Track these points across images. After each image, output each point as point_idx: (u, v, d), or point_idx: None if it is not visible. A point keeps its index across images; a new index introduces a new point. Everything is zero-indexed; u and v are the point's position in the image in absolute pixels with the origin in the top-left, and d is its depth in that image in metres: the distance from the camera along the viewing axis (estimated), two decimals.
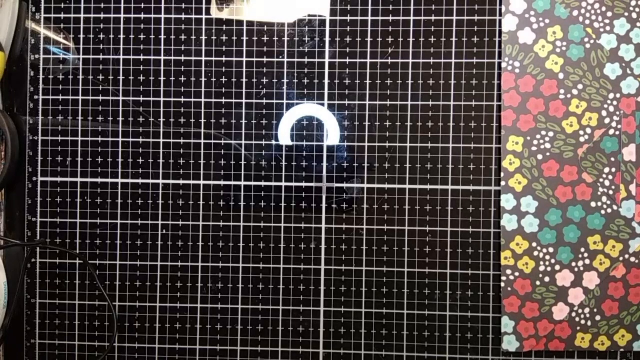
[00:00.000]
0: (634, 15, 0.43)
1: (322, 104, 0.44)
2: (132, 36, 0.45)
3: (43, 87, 0.45)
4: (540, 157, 0.43)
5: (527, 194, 0.43)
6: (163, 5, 0.44)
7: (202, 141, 0.45)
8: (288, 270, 0.44)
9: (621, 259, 0.43)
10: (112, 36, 0.45)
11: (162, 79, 0.45)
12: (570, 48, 0.43)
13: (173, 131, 0.45)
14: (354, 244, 0.44)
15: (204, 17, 0.44)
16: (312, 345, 0.44)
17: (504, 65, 0.43)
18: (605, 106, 0.43)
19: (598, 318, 0.43)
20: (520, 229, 0.43)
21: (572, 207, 0.43)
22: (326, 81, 0.44)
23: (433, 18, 0.44)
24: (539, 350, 0.43)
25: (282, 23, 0.44)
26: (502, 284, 0.43)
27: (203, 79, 0.44)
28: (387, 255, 0.44)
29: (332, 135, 0.44)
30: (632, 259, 0.43)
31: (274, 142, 0.44)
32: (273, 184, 0.44)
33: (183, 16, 0.44)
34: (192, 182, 0.45)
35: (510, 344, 0.43)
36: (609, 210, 0.43)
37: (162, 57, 0.44)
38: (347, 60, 0.44)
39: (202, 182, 0.45)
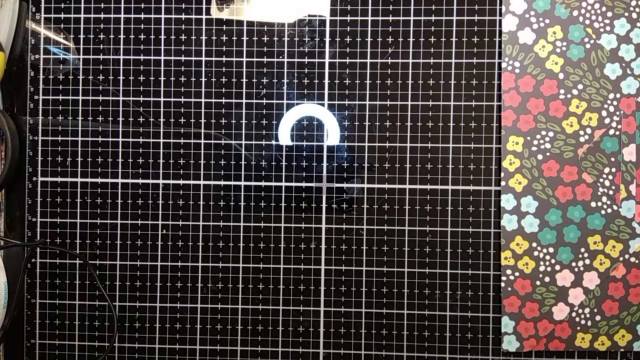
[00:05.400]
0: (634, 15, 0.43)
1: (322, 104, 0.44)
2: (132, 36, 0.45)
3: (43, 87, 0.45)
4: (540, 157, 0.43)
5: (527, 194, 0.43)
6: (163, 5, 0.44)
7: (202, 141, 0.45)
8: (288, 270, 0.44)
9: (621, 259, 0.43)
10: (112, 36, 0.45)
11: (162, 79, 0.45)
12: (570, 48, 0.43)
13: (173, 131, 0.45)
14: (354, 244, 0.44)
15: (204, 17, 0.44)
16: (312, 345, 0.44)
17: (504, 65, 0.43)
18: (605, 106, 0.43)
19: (598, 318, 0.43)
20: (520, 229, 0.43)
21: (572, 207, 0.43)
22: (326, 81, 0.44)
23: (433, 18, 0.44)
24: (539, 350, 0.43)
25: (282, 23, 0.44)
26: (502, 284, 0.43)
27: (203, 79, 0.44)
28: (387, 255, 0.44)
29: (332, 135, 0.44)
30: (632, 259, 0.43)
31: (274, 142, 0.44)
32: (273, 184, 0.44)
33: (183, 16, 0.44)
34: (192, 182, 0.45)
35: (510, 344, 0.43)
36: (609, 210, 0.43)
37: (162, 57, 0.44)
38: (347, 60, 0.44)
39: (202, 182, 0.45)
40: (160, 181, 0.45)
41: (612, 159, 0.43)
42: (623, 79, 0.43)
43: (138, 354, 0.45)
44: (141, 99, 0.45)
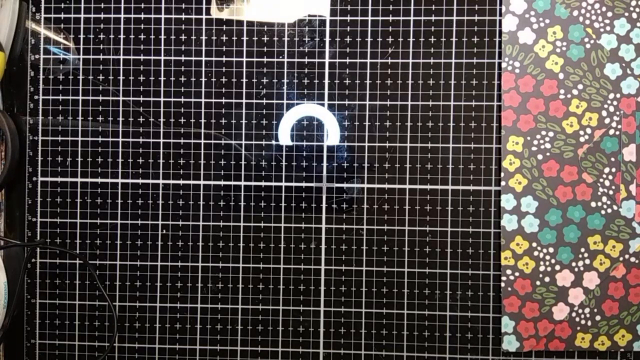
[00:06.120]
0: (634, 15, 0.43)
1: (322, 104, 0.44)
2: (132, 36, 0.45)
3: (43, 87, 0.45)
4: (540, 157, 0.43)
5: (527, 194, 0.43)
6: (163, 5, 0.44)
7: (202, 141, 0.45)
8: (288, 270, 0.44)
9: (621, 259, 0.43)
10: (112, 36, 0.45)
11: (162, 79, 0.45)
12: (570, 48, 0.43)
13: (173, 131, 0.45)
14: (354, 244, 0.44)
15: (204, 17, 0.44)
16: (312, 345, 0.44)
17: (504, 65, 0.43)
18: (605, 106, 0.43)
19: (598, 318, 0.43)
20: (520, 229, 0.43)
21: (572, 207, 0.43)
22: (326, 81, 0.44)
23: (433, 18, 0.44)
24: (539, 350, 0.43)
25: (282, 23, 0.44)
26: (502, 284, 0.43)
27: (203, 79, 0.44)
28: (387, 255, 0.44)
29: (332, 135, 0.44)
30: (632, 259, 0.43)
31: (274, 142, 0.44)
32: (273, 184, 0.44)
33: (183, 16, 0.45)
34: (192, 182, 0.45)
35: (510, 344, 0.43)
36: (609, 210, 0.43)
37: (162, 57, 0.44)
38: (347, 60, 0.44)
39: (202, 182, 0.45)
40: (160, 181, 0.45)
41: (612, 159, 0.43)
42: (623, 79, 0.43)
43: (138, 354, 0.45)
44: (141, 99, 0.45)
